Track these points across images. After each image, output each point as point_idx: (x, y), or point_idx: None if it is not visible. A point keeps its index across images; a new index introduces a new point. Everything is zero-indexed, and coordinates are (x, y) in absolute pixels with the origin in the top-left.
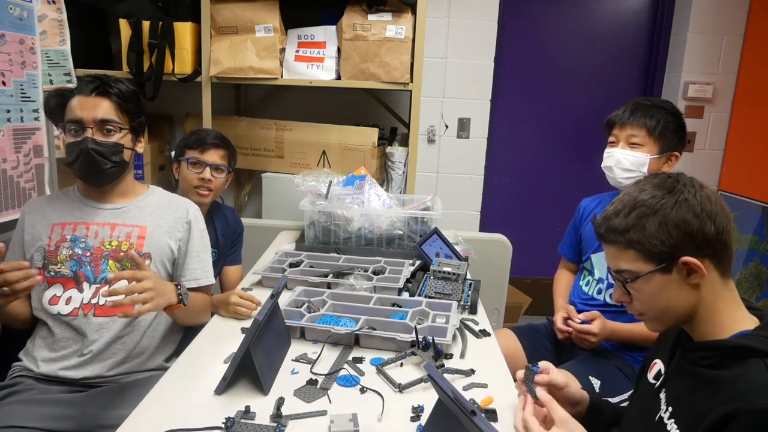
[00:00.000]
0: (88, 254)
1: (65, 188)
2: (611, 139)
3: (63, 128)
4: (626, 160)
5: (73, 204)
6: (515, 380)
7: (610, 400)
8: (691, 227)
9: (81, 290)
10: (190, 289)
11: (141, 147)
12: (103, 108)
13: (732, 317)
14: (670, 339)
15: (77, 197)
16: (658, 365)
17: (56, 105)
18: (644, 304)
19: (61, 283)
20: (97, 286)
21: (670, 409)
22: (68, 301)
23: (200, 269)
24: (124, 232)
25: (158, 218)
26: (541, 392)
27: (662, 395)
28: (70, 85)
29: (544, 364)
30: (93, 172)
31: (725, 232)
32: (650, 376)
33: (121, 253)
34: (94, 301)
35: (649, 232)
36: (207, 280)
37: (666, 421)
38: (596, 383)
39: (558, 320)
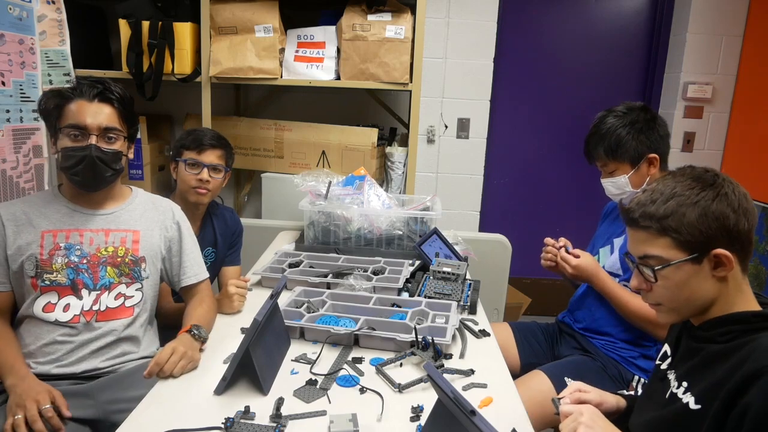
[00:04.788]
0: (85, 261)
1: (39, 192)
2: (599, 168)
3: (58, 131)
4: (612, 187)
5: (62, 210)
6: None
7: None
8: (729, 221)
9: (80, 297)
10: (191, 285)
11: (131, 153)
12: (107, 115)
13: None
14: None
15: (64, 202)
16: (664, 348)
17: (54, 106)
18: (667, 292)
19: (57, 291)
20: (98, 292)
21: (684, 384)
22: (66, 308)
23: (196, 265)
24: (119, 238)
25: (148, 221)
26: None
27: (671, 375)
28: (68, 86)
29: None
30: (94, 179)
31: (752, 231)
32: (658, 359)
33: (118, 259)
34: (95, 307)
35: (688, 221)
36: (204, 273)
37: (681, 396)
38: (569, 383)
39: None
